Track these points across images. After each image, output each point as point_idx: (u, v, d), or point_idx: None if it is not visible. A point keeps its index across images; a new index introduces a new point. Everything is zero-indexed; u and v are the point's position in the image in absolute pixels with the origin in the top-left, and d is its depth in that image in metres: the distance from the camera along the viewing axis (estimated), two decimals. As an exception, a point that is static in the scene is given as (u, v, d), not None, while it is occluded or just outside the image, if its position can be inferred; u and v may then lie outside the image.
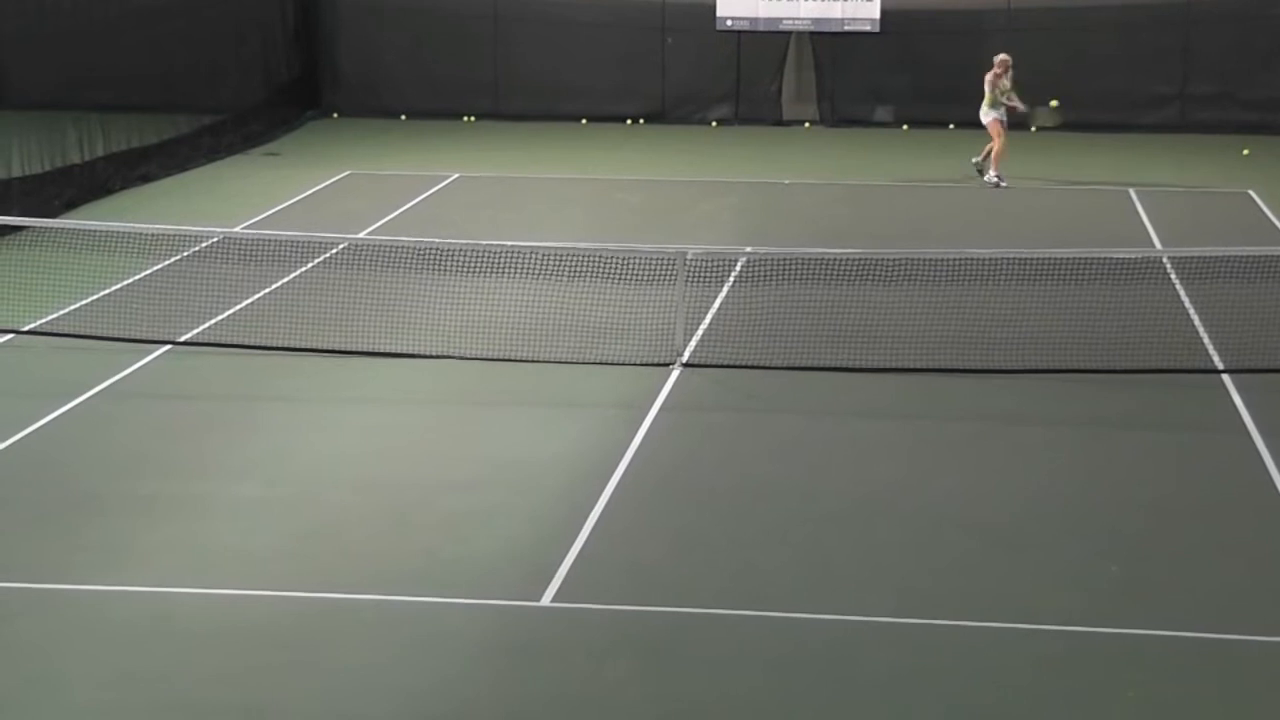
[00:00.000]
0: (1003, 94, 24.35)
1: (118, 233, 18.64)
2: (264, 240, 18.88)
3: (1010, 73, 24.43)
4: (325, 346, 15.88)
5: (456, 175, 25.69)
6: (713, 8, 30.67)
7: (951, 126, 29.38)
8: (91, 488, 12.54)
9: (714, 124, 31.21)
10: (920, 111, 30.07)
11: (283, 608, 10.47)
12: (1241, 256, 17.54)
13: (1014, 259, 17.36)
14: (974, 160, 24.97)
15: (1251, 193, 24.15)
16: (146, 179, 24.89)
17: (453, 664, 9.76)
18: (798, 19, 30.58)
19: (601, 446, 13.39)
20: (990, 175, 24.58)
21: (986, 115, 24.41)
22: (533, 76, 31.39)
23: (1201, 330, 16.59)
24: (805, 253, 18.05)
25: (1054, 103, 25.35)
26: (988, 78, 24.40)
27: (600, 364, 15.48)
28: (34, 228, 19.13)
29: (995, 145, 24.50)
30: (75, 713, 9.22)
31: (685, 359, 15.56)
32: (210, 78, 28.27)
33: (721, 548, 11.49)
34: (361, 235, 20.34)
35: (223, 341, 16.16)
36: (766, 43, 30.98)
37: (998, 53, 25.00)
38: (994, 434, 13.94)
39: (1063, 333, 16.07)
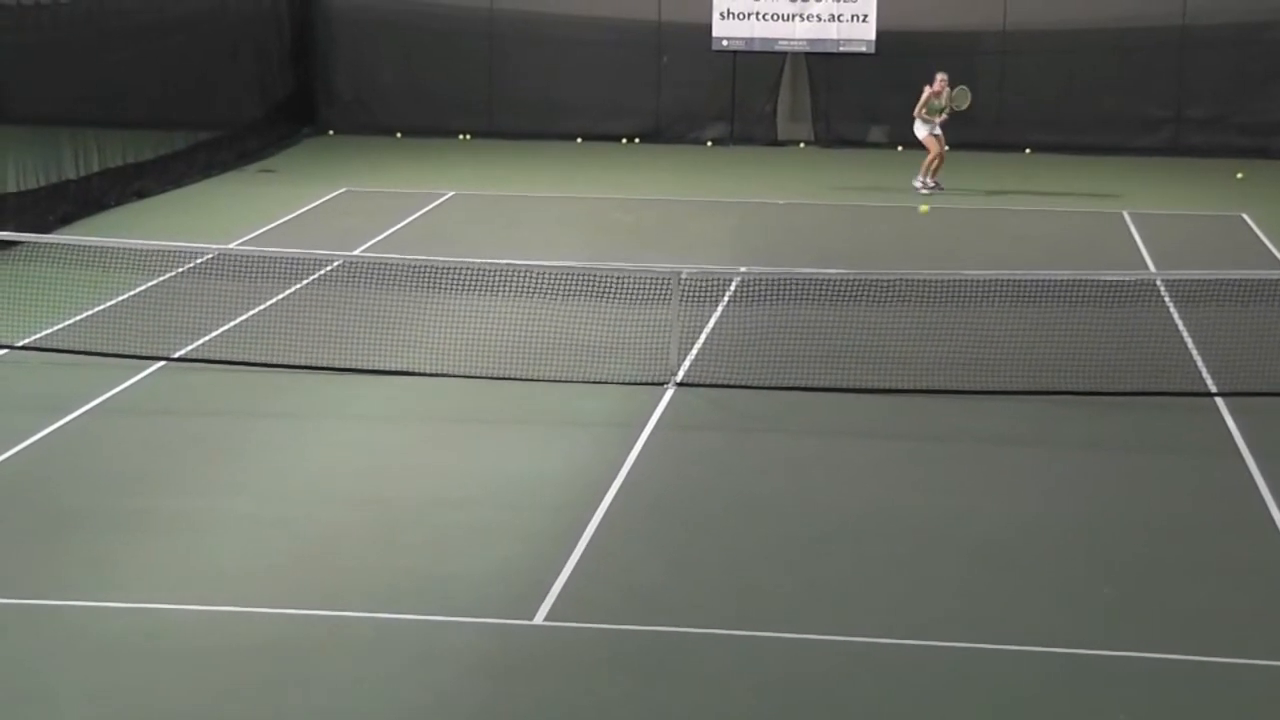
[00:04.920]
0: (936, 112, 25.49)
1: (112, 248, 18.62)
2: (259, 257, 18.88)
3: (946, 90, 25.53)
4: (320, 364, 15.86)
5: (451, 193, 25.70)
6: (708, 27, 30.71)
7: (946, 148, 29.41)
8: (83, 504, 12.51)
9: (709, 143, 31.24)
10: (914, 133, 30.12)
11: (274, 625, 10.44)
12: (1235, 280, 17.57)
13: (1008, 280, 17.38)
14: (923, 180, 25.93)
15: (1245, 216, 24.20)
16: (142, 195, 24.90)
17: (445, 682, 9.74)
18: (793, 39, 30.64)
19: (595, 465, 13.37)
20: (919, 181, 25.74)
21: (921, 130, 25.64)
22: (528, 95, 31.42)
23: (1195, 353, 16.61)
24: (799, 273, 18.05)
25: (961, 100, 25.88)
26: (926, 92, 25.49)
27: (594, 383, 15.47)
28: (29, 243, 19.11)
29: (931, 156, 25.71)
30: (66, 729, 9.20)
31: (679, 378, 15.56)
32: (206, 94, 28.27)
33: (714, 567, 11.48)
34: (356, 252, 20.35)
35: (217, 358, 16.15)
36: (762, 63, 31.04)
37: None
38: (988, 456, 13.94)
39: (1056, 355, 16.08)
